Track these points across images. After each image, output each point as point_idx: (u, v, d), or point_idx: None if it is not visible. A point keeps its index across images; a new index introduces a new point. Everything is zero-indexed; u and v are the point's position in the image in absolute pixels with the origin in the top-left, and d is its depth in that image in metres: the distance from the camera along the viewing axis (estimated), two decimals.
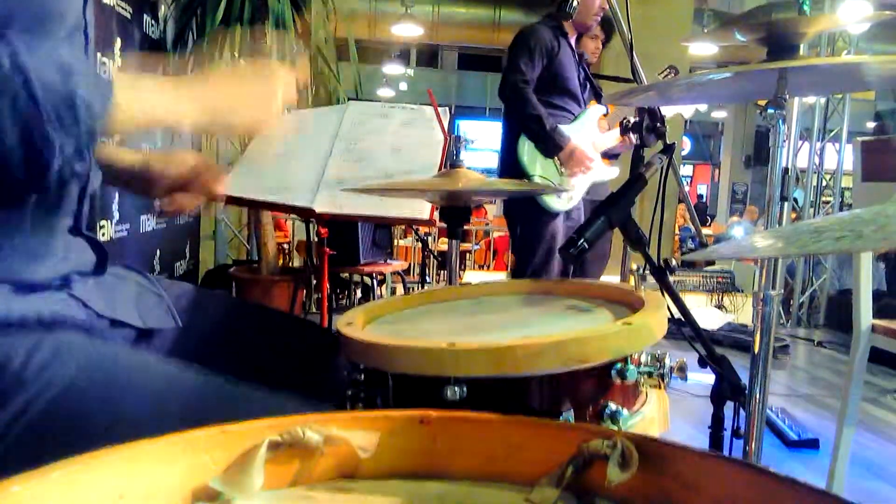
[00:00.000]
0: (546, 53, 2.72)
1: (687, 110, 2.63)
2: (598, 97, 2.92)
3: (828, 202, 6.28)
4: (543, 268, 2.74)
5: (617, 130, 2.80)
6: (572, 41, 2.86)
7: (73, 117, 0.62)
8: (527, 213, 2.76)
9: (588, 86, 2.91)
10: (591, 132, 2.84)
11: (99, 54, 2.39)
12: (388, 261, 4.30)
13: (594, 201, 3.75)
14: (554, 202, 2.73)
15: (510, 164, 2.76)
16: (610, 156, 2.97)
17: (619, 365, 0.85)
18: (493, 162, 14.08)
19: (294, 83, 0.86)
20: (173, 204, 1.03)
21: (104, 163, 0.95)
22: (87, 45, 0.80)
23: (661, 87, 1.31)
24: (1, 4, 0.65)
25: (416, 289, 5.05)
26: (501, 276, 6.59)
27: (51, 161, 0.63)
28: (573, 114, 2.84)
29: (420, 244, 5.27)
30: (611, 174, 2.92)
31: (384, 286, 4.67)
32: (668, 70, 2.88)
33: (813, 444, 2.63)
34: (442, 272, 6.23)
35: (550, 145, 2.68)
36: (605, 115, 2.92)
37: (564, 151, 2.69)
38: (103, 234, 2.51)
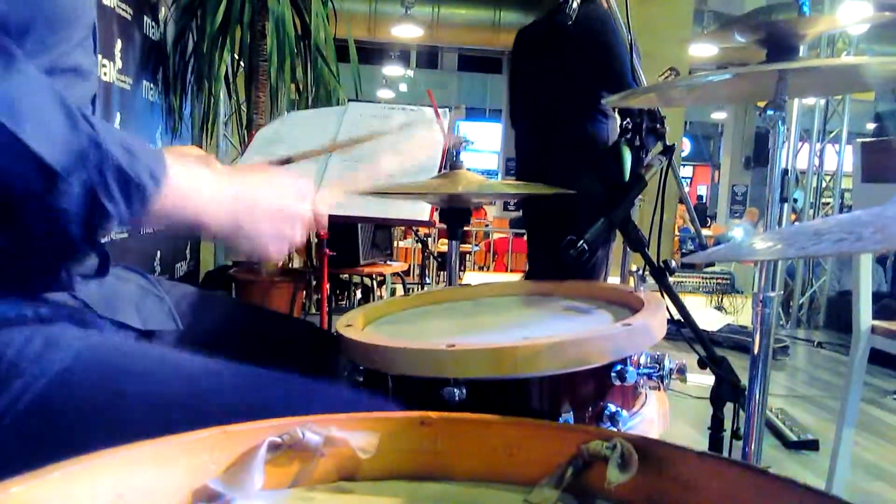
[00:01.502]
0: None
1: None
2: None
3: (827, 203, 6.28)
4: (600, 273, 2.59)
5: None
6: None
7: (129, 198, 0.64)
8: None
9: None
10: None
11: (100, 55, 2.39)
12: (388, 262, 4.30)
13: None
14: None
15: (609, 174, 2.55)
16: None
17: (618, 366, 0.85)
18: (493, 163, 14.15)
19: (315, 210, 0.84)
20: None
21: None
22: (95, 47, 0.81)
23: (662, 88, 1.31)
24: (21, 8, 0.65)
25: (415, 290, 5.05)
26: (501, 277, 6.59)
27: (99, 230, 0.66)
28: None
29: (420, 245, 5.27)
30: None
31: (384, 287, 4.67)
32: (668, 72, 2.88)
33: (812, 446, 2.63)
34: (442, 273, 6.23)
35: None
36: None
37: None
38: (104, 236, 2.50)
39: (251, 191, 0.77)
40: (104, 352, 0.72)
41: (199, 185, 0.72)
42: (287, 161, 1.18)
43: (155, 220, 0.70)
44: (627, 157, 2.61)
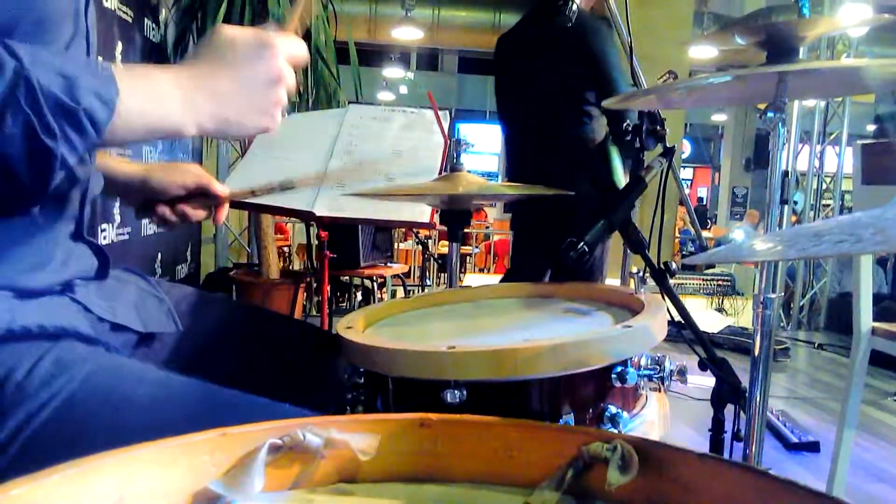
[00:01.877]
0: None
1: None
2: None
3: (828, 205, 6.28)
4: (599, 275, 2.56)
5: None
6: None
7: (77, 128, 0.60)
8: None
9: None
10: None
11: (100, 58, 2.39)
12: (389, 264, 4.30)
13: None
14: None
15: (600, 180, 2.48)
16: None
17: (619, 368, 0.85)
18: (493, 165, 14.14)
19: (293, 60, 0.75)
20: (175, 215, 1.04)
21: (104, 175, 0.95)
22: (89, 50, 0.80)
23: (661, 90, 1.31)
24: (3, 11, 0.65)
25: (416, 292, 5.05)
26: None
27: (53, 173, 0.61)
28: None
29: (420, 247, 5.27)
30: None
31: (384, 289, 4.67)
32: (667, 75, 2.87)
33: (813, 447, 2.63)
34: (442, 275, 6.23)
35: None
36: None
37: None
38: (104, 238, 2.51)
39: (217, 81, 0.71)
40: (108, 377, 0.71)
41: (162, 96, 0.67)
42: (289, 187, 1.18)
43: (122, 140, 0.65)
44: (616, 157, 2.60)
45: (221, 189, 1.07)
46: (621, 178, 2.62)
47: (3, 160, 0.58)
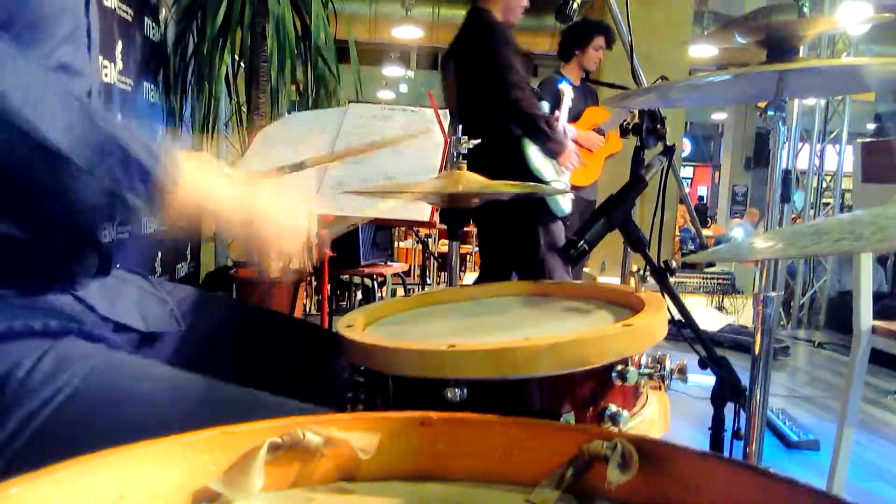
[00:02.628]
0: (515, 48, 2.61)
1: None
2: (539, 97, 2.83)
3: (828, 204, 6.28)
4: (552, 273, 2.62)
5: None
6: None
7: (145, 187, 0.68)
8: (539, 216, 2.65)
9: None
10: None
11: (101, 56, 2.39)
12: (389, 262, 4.30)
13: (586, 200, 3.76)
14: (564, 204, 2.66)
15: (515, 171, 2.65)
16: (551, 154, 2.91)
17: (619, 367, 0.85)
18: None
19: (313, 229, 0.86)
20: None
21: None
22: (91, 45, 0.81)
23: (661, 90, 1.31)
24: (1, 6, 0.65)
25: (416, 290, 5.05)
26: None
27: (115, 215, 0.74)
28: None
29: (420, 246, 5.27)
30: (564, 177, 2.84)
31: (384, 288, 4.67)
32: (659, 80, 2.85)
33: (813, 446, 2.63)
34: (442, 274, 6.23)
35: (557, 145, 2.62)
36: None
37: (567, 149, 2.65)
38: (105, 236, 2.50)
39: (264, 196, 0.80)
40: (111, 374, 0.71)
41: (213, 183, 0.76)
42: (300, 166, 1.18)
43: (170, 215, 0.73)
44: (529, 148, 2.67)
45: (233, 174, 1.08)
46: (540, 169, 2.65)
47: (84, 208, 0.69)
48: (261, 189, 0.80)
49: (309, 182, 1.74)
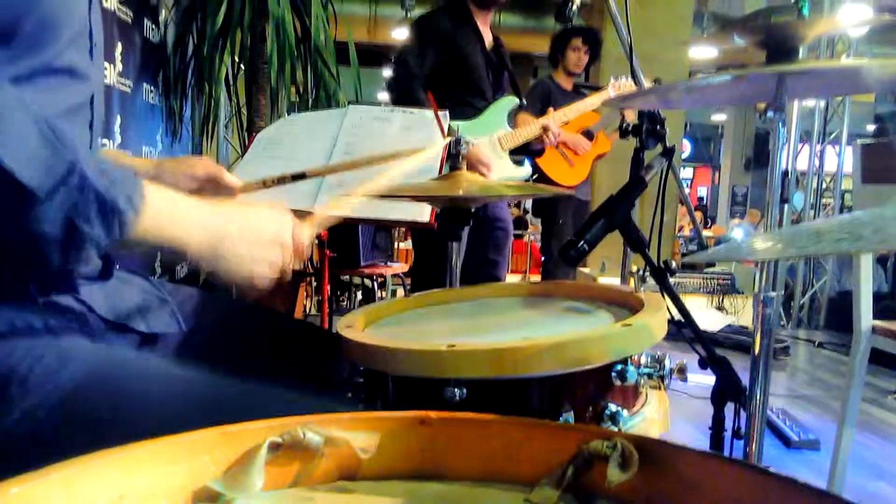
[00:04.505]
0: (440, 43, 2.48)
1: None
2: (517, 92, 2.68)
3: (828, 205, 6.28)
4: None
5: (532, 126, 2.65)
6: (482, 27, 2.58)
7: (107, 224, 0.64)
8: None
9: (506, 76, 2.66)
10: (495, 129, 2.59)
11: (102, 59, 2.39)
12: (389, 263, 4.30)
13: (579, 200, 3.76)
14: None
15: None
16: (533, 150, 2.80)
17: (619, 366, 0.85)
18: None
19: (304, 236, 0.85)
20: None
21: None
22: (93, 48, 0.81)
23: (662, 90, 1.31)
24: (6, 10, 0.65)
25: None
26: None
27: (80, 254, 0.67)
28: (477, 108, 2.57)
29: None
30: (518, 174, 2.66)
31: (384, 288, 4.67)
32: (653, 82, 2.84)
33: (813, 445, 2.63)
34: None
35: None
36: (522, 109, 2.70)
37: None
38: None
39: (229, 217, 0.77)
40: (112, 373, 0.71)
41: (176, 211, 0.73)
42: (301, 176, 1.18)
43: (132, 245, 0.70)
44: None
45: (233, 180, 1.08)
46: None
47: (41, 238, 0.62)
48: (229, 214, 0.78)
49: (290, 195, 1.74)
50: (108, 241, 0.65)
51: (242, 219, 0.78)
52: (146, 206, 0.67)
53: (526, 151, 2.72)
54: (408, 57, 2.48)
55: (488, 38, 2.60)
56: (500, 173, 2.54)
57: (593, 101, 2.91)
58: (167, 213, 0.71)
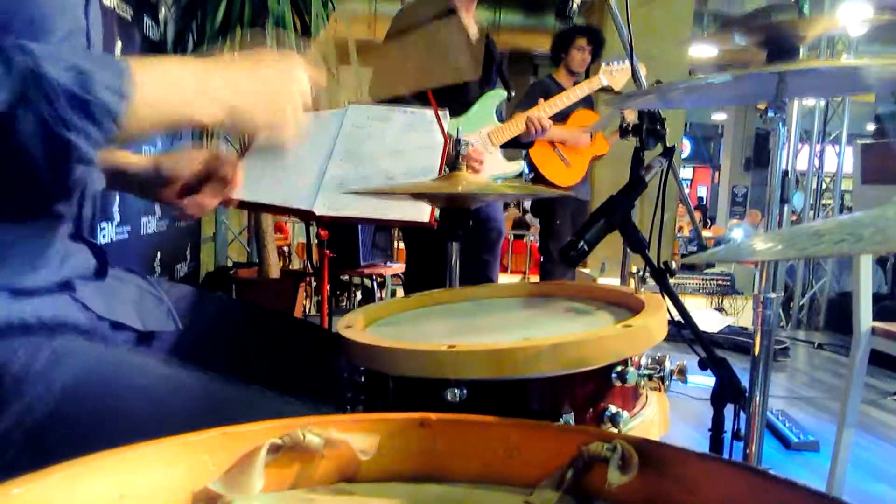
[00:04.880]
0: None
1: None
2: (506, 85, 2.65)
3: (827, 205, 6.28)
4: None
5: (518, 119, 2.62)
6: (467, 20, 2.54)
7: (93, 119, 0.60)
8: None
9: (494, 71, 2.62)
10: (484, 124, 2.57)
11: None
12: (389, 263, 4.30)
13: (579, 200, 3.76)
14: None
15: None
16: (523, 143, 2.76)
17: (619, 367, 0.85)
18: None
19: (312, 82, 0.79)
20: (192, 206, 1.03)
21: (113, 169, 0.94)
22: (90, 48, 0.80)
23: (661, 90, 1.31)
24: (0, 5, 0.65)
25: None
26: (502, 278, 6.58)
27: (72, 164, 0.62)
28: (459, 103, 2.52)
29: None
30: (510, 170, 2.66)
31: (384, 288, 4.67)
32: (654, 85, 2.82)
33: (813, 447, 2.63)
34: None
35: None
36: (516, 105, 2.68)
37: None
38: (104, 237, 2.51)
39: (235, 73, 0.73)
40: (108, 369, 0.71)
41: (176, 84, 0.68)
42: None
43: (139, 130, 0.66)
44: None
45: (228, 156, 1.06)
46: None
47: (23, 155, 0.59)
48: (234, 72, 0.73)
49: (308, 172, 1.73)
50: (105, 137, 0.61)
51: (249, 73, 0.74)
52: (137, 88, 0.63)
53: (517, 145, 2.71)
54: None
55: (472, 31, 2.56)
56: (492, 169, 2.53)
57: (583, 89, 2.93)
58: (163, 88, 0.67)
